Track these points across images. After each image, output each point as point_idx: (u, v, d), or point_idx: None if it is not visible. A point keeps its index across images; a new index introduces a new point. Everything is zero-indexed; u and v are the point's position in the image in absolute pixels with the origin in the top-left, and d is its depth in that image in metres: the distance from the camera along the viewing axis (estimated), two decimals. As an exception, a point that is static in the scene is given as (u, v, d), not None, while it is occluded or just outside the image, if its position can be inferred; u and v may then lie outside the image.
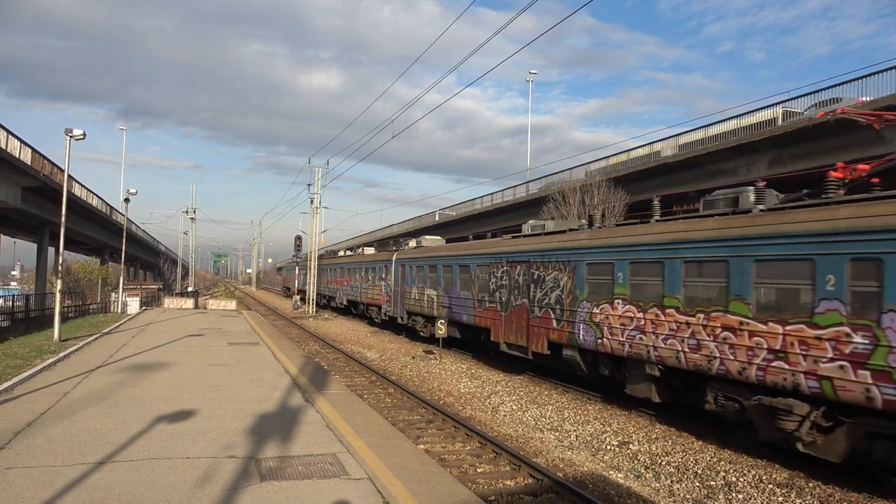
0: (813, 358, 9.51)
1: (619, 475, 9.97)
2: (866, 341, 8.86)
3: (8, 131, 30.69)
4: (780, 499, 9.03)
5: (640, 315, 12.97)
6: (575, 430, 12.67)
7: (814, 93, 26.92)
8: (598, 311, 14.33)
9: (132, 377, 13.17)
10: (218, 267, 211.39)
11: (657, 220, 13.79)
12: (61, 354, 16.15)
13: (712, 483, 9.64)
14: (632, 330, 13.18)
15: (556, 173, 46.45)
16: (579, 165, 43.13)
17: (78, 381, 12.53)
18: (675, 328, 12.03)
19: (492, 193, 54.94)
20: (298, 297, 51.50)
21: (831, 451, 9.71)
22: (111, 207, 56.51)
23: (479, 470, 9.71)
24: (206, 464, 7.32)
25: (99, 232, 57.01)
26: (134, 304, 36.81)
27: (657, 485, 9.64)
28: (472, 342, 22.65)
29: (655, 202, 14.80)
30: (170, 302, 42.74)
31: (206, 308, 41.65)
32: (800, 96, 27.58)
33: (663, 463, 10.60)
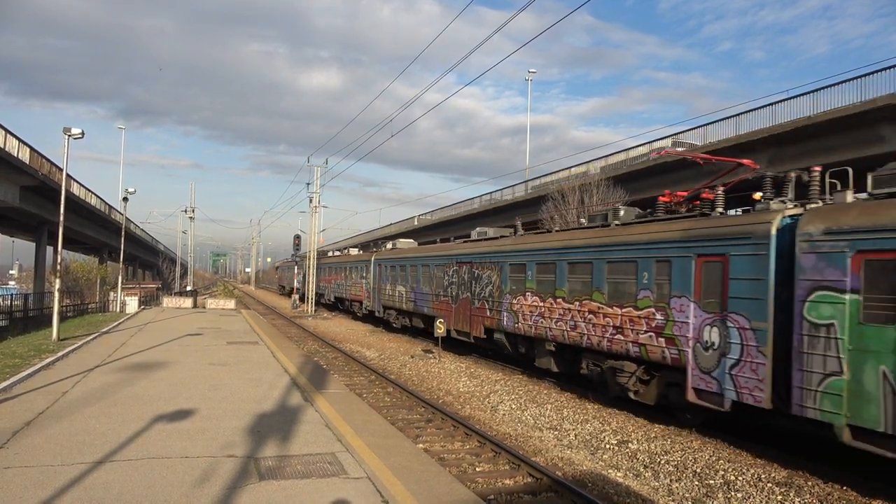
0: (636, 331, 13.24)
1: (619, 474, 9.97)
2: (663, 318, 12.54)
3: (6, 130, 30.66)
4: (780, 497, 9.03)
5: (542, 304, 16.76)
6: (574, 429, 12.67)
7: (813, 92, 26.89)
8: (515, 302, 18.13)
9: (131, 376, 13.15)
10: (217, 266, 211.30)
11: (556, 231, 18.50)
12: (60, 354, 16.13)
13: (711, 482, 9.64)
14: (536, 316, 16.97)
15: (554, 172, 46.47)
16: (578, 165, 43.10)
17: (76, 381, 12.51)
18: (562, 313, 15.83)
19: (490, 193, 54.98)
20: (297, 296, 51.57)
21: (648, 397, 13.38)
22: (110, 206, 56.47)
23: (478, 469, 9.71)
24: (205, 463, 7.31)
25: (98, 231, 56.96)
26: (133, 304, 36.78)
27: (656, 483, 9.64)
28: (429, 331, 25.19)
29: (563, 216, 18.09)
30: (168, 301, 42.71)
31: (204, 307, 41.62)
32: (798, 95, 27.56)
33: (662, 462, 10.60)
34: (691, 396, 11.80)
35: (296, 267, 57.39)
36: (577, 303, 15.18)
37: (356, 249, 47.45)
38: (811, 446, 10.97)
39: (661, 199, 14.48)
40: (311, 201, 49.25)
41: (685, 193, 14.15)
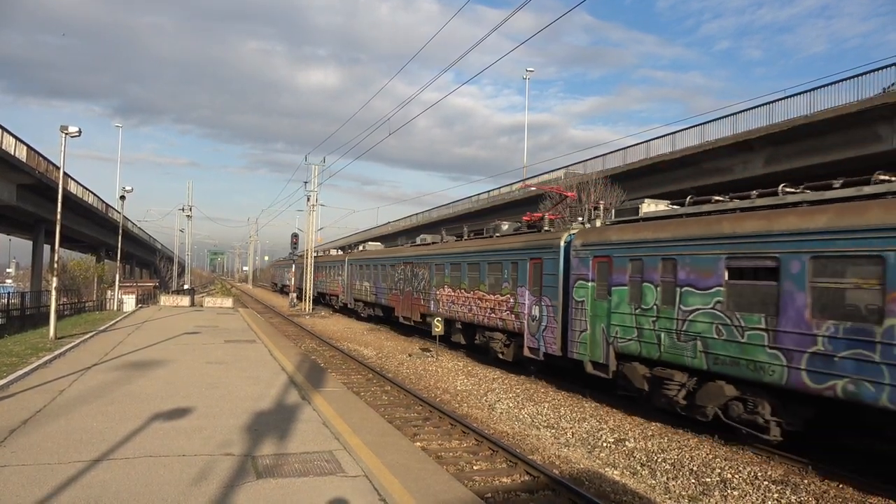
0: (501, 311, 18.88)
1: (615, 472, 9.99)
2: (514, 301, 18.13)
3: (3, 128, 30.60)
4: (776, 495, 9.06)
5: (453, 294, 22.69)
6: (571, 428, 12.69)
7: (810, 91, 26.92)
8: (438, 293, 24.06)
9: (128, 375, 13.14)
10: (214, 265, 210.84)
11: (465, 239, 23.81)
12: (57, 352, 16.11)
13: (708, 480, 9.67)
14: (450, 303, 22.88)
15: (548, 172, 46.54)
16: (574, 164, 43.12)
17: (74, 379, 12.50)
18: (464, 301, 21.68)
19: (489, 191, 54.95)
20: (295, 295, 51.68)
21: (509, 356, 18.89)
22: (107, 205, 56.36)
23: (475, 467, 9.72)
24: (202, 461, 7.32)
25: (95, 230, 56.84)
26: (130, 302, 36.72)
27: (653, 482, 9.66)
28: (387, 318, 32.69)
29: (464, 230, 25.27)
30: (166, 300, 42.65)
31: (202, 306, 41.58)
32: (796, 94, 27.58)
33: (659, 460, 10.63)
34: (526, 352, 17.52)
35: (293, 265, 57.54)
36: (472, 292, 21.10)
37: (336, 250, 53.23)
38: (624, 399, 13.11)
39: (524, 217, 20.29)
40: (308, 200, 49.19)
41: (539, 216, 19.81)
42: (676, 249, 12.31)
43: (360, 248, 40.85)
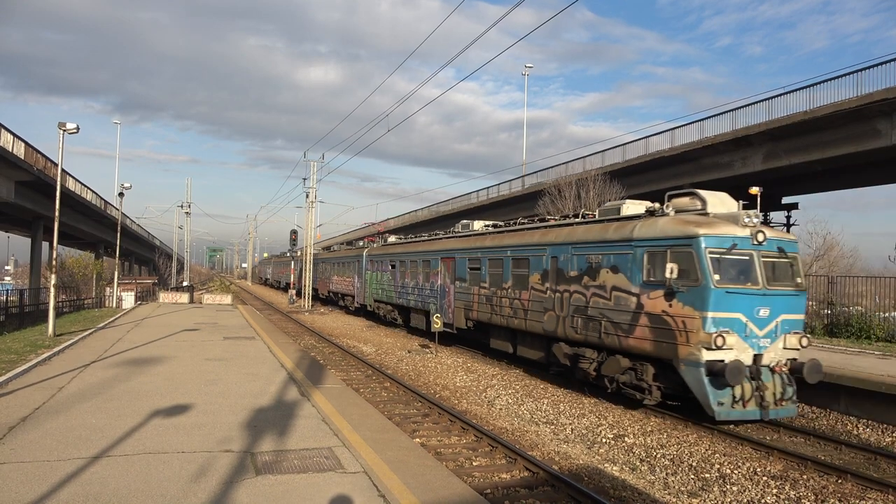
0: (348, 284, 38.48)
1: (615, 468, 10.01)
2: (352, 279, 37.25)
3: (1, 125, 30.53)
4: (775, 491, 9.07)
5: (337, 279, 39.75)
6: (570, 424, 12.70)
7: (810, 86, 26.88)
8: (368, 281, 34.32)
9: (127, 372, 13.13)
10: (213, 261, 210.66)
11: (388, 244, 33.69)
12: (56, 349, 16.09)
13: (707, 475, 9.69)
14: (378, 288, 32.40)
15: (546, 169, 46.52)
16: (573, 160, 43.06)
17: (73, 376, 12.49)
18: (390, 285, 30.24)
19: (487, 188, 54.95)
20: (294, 291, 51.79)
21: (351, 307, 37.43)
22: (105, 202, 56.27)
23: (475, 463, 9.73)
24: (201, 458, 7.31)
25: (93, 226, 56.76)
26: (129, 299, 36.69)
27: (652, 477, 9.68)
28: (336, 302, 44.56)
29: (399, 238, 34.66)
30: (165, 297, 42.62)
31: (201, 303, 41.56)
32: (795, 90, 27.55)
33: (658, 456, 10.64)
34: (356, 304, 36.78)
35: (292, 262, 57.72)
36: (402, 282, 28.71)
37: (339, 245, 63.08)
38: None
39: (368, 239, 35.51)
40: (307, 196, 49.15)
41: (372, 237, 34.36)
42: (398, 257, 29.54)
43: (390, 239, 35.83)
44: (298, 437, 8.38)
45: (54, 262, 22.45)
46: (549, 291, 16.36)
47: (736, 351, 11.63)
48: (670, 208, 13.77)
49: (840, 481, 9.47)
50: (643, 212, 14.33)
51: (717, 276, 11.69)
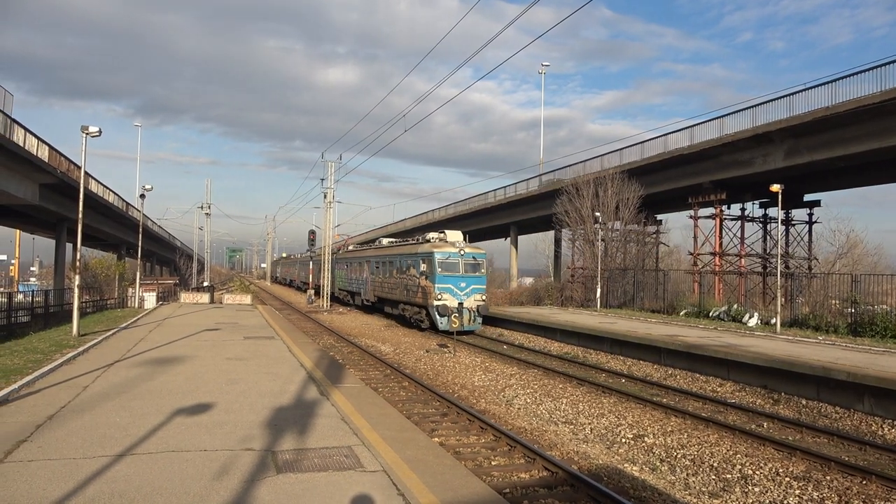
0: (359, 281, 42.32)
1: (635, 468, 9.95)
2: (364, 276, 39.86)
3: (26, 129, 31.04)
4: (798, 492, 8.97)
5: (349, 276, 45.38)
6: (589, 423, 12.66)
7: (832, 82, 26.49)
8: (361, 277, 41.33)
9: (150, 371, 13.31)
10: (233, 262, 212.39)
11: (345, 251, 49.30)
12: (80, 349, 16.35)
13: (728, 476, 9.60)
14: (340, 280, 46.75)
15: (563, 168, 46.31)
16: (591, 159, 42.84)
17: (97, 375, 12.69)
18: (345, 279, 45.46)
19: (504, 187, 54.91)
20: (312, 291, 52.21)
21: (352, 301, 43.82)
22: (127, 203, 57.02)
23: (493, 463, 9.73)
24: (223, 456, 7.40)
25: (116, 228, 57.56)
26: (151, 300, 37.15)
27: (673, 478, 9.61)
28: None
29: (385, 241, 42.24)
30: (186, 297, 43.11)
31: (221, 303, 41.96)
32: (816, 86, 27.15)
33: (679, 456, 10.57)
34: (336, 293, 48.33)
35: (311, 262, 58.23)
36: (366, 276, 38.96)
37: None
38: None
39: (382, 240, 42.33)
40: (325, 197, 49.43)
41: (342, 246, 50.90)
42: (347, 261, 45.24)
43: (349, 247, 54.41)
44: (318, 436, 8.44)
45: (78, 264, 22.80)
46: (399, 278, 32.01)
47: (448, 301, 26.92)
48: (432, 239, 30.33)
49: (865, 482, 9.34)
50: (422, 240, 31.51)
51: (440, 269, 27.41)
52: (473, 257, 28.37)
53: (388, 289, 33.99)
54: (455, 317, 26.38)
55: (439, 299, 26.83)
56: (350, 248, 50.02)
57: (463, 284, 27.33)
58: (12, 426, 8.53)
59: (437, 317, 26.54)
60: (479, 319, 27.63)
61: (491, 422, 11.76)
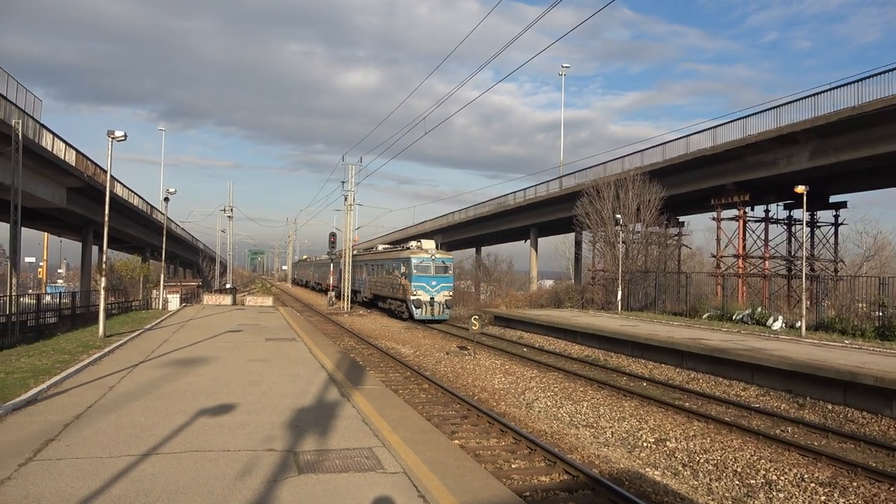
0: (361, 281, 49.99)
1: (657, 472, 9.87)
2: (363, 277, 47.74)
3: (54, 134, 31.69)
4: (823, 498, 8.83)
5: (360, 277, 50.36)
6: (611, 427, 12.58)
7: (858, 81, 26.06)
8: (361, 278, 48.75)
9: (174, 372, 13.50)
10: (255, 264, 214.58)
11: (355, 254, 53.07)
12: (106, 350, 16.63)
13: (752, 481, 9.48)
14: (360, 282, 49.14)
15: (583, 170, 46.04)
16: (611, 160, 42.55)
17: (122, 376, 12.90)
18: (358, 279, 48.92)
19: (524, 189, 54.69)
20: (333, 294, 52.64)
21: (356, 298, 49.02)
22: (152, 206, 57.89)
23: (513, 466, 9.71)
24: (246, 456, 7.48)
25: (140, 230, 58.46)
26: (174, 301, 37.64)
27: (695, 482, 9.52)
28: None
29: (379, 246, 54.00)
30: (209, 298, 43.60)
31: (243, 304, 42.38)
32: (842, 85, 26.72)
33: (701, 460, 10.46)
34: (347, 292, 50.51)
35: (331, 264, 58.69)
36: (369, 277, 45.56)
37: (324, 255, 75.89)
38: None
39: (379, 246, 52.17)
40: (345, 199, 49.73)
41: (388, 245, 51.86)
42: (364, 262, 48.66)
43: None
44: (339, 437, 8.50)
45: (104, 266, 23.19)
46: (387, 278, 39.59)
47: (421, 296, 34.58)
48: (411, 247, 38.78)
49: (892, 489, 9.17)
50: (403, 248, 40.61)
51: (415, 271, 34.96)
52: (442, 262, 36.33)
53: (379, 287, 42.04)
54: (428, 308, 34.57)
55: (414, 294, 34.74)
56: (354, 252, 55.04)
57: (434, 283, 35.06)
58: (41, 425, 8.71)
59: (413, 308, 34.62)
60: (448, 311, 35.57)
61: (511, 424, 11.73)
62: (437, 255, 36.42)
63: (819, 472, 9.92)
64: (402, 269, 36.36)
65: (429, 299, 34.61)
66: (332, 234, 58.41)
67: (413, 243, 40.07)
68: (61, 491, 6.19)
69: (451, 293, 36.04)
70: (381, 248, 48.31)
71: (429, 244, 38.38)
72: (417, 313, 34.41)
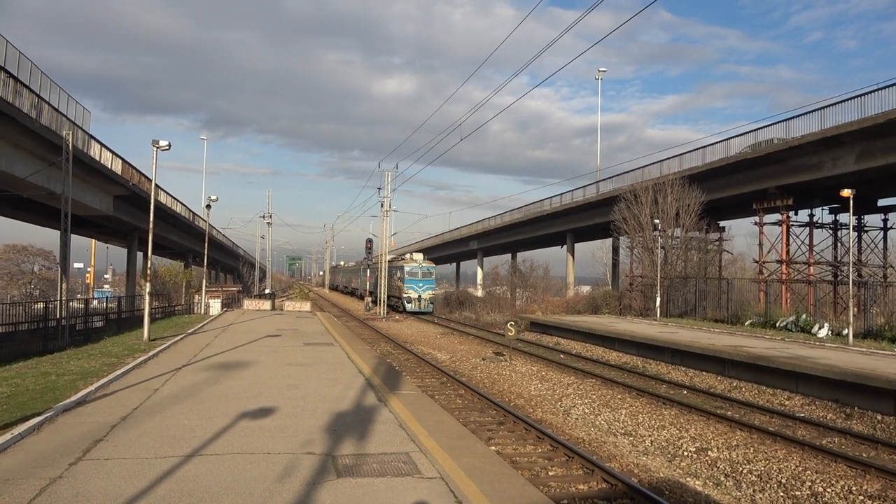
0: (359, 283, 71.97)
1: (698, 482, 9.69)
2: (361, 282, 69.51)
3: (102, 144, 32.73)
4: (873, 512, 8.54)
5: (358, 279, 75.21)
6: (650, 435, 12.39)
7: (907, 81, 25.16)
8: (365, 279, 63.29)
9: (216, 375, 13.78)
10: (293, 269, 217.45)
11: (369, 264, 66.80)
12: (151, 353, 17.07)
13: (797, 493, 9.23)
14: (368, 284, 61.20)
15: (626, 172, 45.47)
16: (650, 164, 41.98)
17: (166, 379, 13.23)
18: (369, 282, 59.91)
19: (560, 194, 54.37)
20: (370, 299, 53.68)
21: (370, 298, 58.77)
22: (194, 213, 59.26)
23: (550, 473, 9.64)
24: (285, 459, 7.60)
25: (183, 237, 59.88)
26: (216, 306, 38.41)
27: (738, 493, 9.31)
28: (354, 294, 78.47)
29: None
30: (249, 304, 44.41)
31: (282, 309, 43.03)
32: (890, 85, 25.87)
33: (745, 471, 10.22)
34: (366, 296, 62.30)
35: (368, 270, 59.54)
36: (369, 278, 59.41)
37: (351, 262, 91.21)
38: None
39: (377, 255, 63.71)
40: (381, 206, 50.23)
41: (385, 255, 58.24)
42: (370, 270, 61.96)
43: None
44: (377, 442, 8.57)
45: (148, 271, 23.82)
46: (391, 281, 51.16)
47: (412, 294, 48.95)
48: (406, 258, 55.49)
49: (948, 504, 8.82)
50: (399, 259, 56.90)
51: (407, 276, 49.44)
52: (427, 269, 50.68)
53: (388, 288, 51.93)
54: (416, 302, 48.12)
55: (406, 293, 48.60)
56: (373, 260, 65.59)
57: (421, 285, 49.04)
58: (90, 426, 9.00)
59: (406, 303, 48.38)
60: (431, 305, 49.50)
61: (548, 431, 11.66)
62: (424, 264, 50.94)
63: (868, 484, 9.60)
64: (399, 274, 49.94)
65: (417, 296, 48.48)
66: (369, 241, 59.12)
67: (407, 255, 58.06)
68: (109, 490, 6.38)
69: (433, 292, 51.06)
70: (390, 257, 57.56)
71: (418, 256, 53.75)
72: (409, 307, 48.06)
